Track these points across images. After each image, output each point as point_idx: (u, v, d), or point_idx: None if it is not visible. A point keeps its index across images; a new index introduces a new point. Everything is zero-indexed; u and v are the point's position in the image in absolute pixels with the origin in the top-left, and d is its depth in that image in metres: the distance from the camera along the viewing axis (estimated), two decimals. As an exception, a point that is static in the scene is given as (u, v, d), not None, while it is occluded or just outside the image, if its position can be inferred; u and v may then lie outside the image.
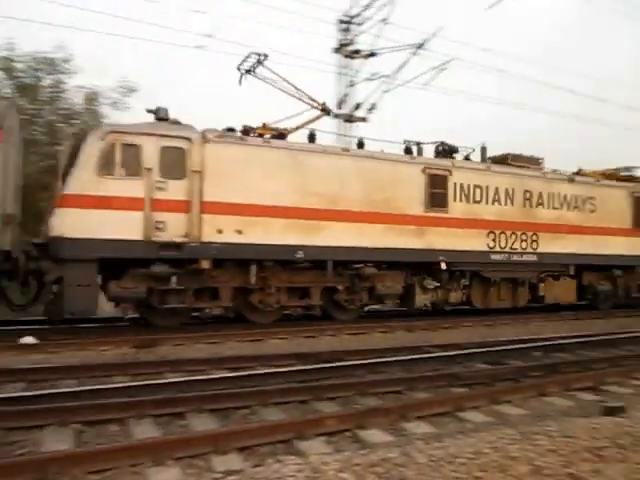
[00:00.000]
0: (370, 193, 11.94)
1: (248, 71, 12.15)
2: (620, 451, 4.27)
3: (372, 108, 17.27)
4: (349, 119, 17.26)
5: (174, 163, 10.16)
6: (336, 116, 17.22)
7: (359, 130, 17.24)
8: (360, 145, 12.59)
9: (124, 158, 9.82)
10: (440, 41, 16.38)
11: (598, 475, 3.95)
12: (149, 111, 10.86)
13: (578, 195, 15.01)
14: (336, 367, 7.31)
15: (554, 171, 15.17)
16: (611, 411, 5.27)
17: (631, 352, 9.23)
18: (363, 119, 17.37)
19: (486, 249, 13.36)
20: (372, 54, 17.16)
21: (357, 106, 17.35)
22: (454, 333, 11.27)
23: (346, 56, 17.35)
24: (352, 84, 17.46)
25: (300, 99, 12.30)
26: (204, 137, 10.47)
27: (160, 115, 10.70)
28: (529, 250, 14.03)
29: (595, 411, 5.58)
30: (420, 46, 16.28)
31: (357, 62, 17.39)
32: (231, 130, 11.08)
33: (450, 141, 13.47)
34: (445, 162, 13.13)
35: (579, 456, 4.11)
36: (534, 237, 14.12)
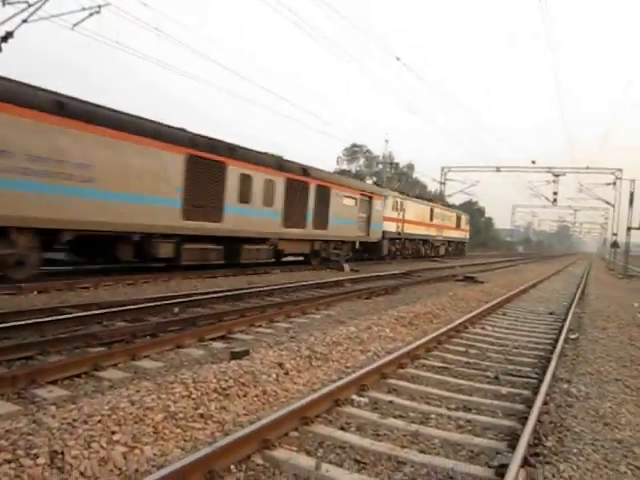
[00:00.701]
0: (422, 215, 35.38)
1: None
2: (242, 388, 4.92)
3: (7, 37, 14.79)
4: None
5: (400, 206, 30.93)
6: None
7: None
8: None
9: (394, 205, 30.05)
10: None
11: (224, 411, 4.47)
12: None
13: (446, 215, 41.17)
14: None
15: (443, 204, 42.63)
16: (237, 355, 5.99)
17: (255, 304, 10.62)
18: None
19: (435, 234, 38.26)
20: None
21: (-15, 30, 14.58)
22: (95, 293, 10.89)
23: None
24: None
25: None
26: (403, 197, 32.30)
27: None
28: (441, 235, 39.93)
29: (225, 357, 6.26)
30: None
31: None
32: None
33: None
34: (431, 204, 37.76)
35: (208, 397, 4.57)
36: (443, 231, 40.16)
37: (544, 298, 15.85)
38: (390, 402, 5.19)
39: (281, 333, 8.25)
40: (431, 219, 36.99)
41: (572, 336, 9.27)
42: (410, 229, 32.31)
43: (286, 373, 5.59)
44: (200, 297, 10.49)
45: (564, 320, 10.76)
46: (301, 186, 19.42)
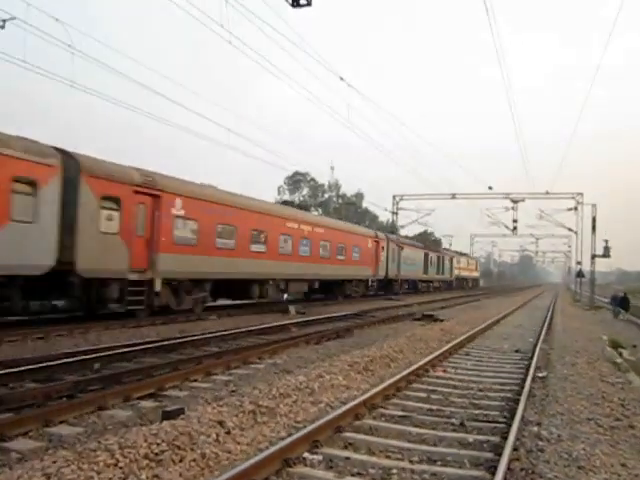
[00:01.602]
0: (465, 264, 73.89)
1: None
2: (177, 452, 4.80)
3: None
4: None
5: (459, 260, 69.56)
6: None
7: None
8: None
9: (456, 260, 67.46)
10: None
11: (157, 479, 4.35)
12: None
13: (472, 262, 79.38)
14: None
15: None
16: (170, 415, 5.85)
17: (189, 355, 10.43)
18: None
19: (468, 274, 75.67)
20: None
21: None
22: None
23: None
24: None
25: None
26: (460, 256, 72.54)
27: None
28: (470, 275, 78.49)
29: (156, 417, 6.11)
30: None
31: None
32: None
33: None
34: (467, 257, 77.46)
35: (138, 465, 4.44)
36: (471, 272, 78.84)
37: (508, 334, 16.32)
38: (347, 458, 5.19)
39: (220, 387, 8.13)
40: (467, 265, 70.14)
41: (540, 374, 9.57)
42: (462, 272, 66.74)
43: (227, 432, 5.50)
44: (125, 350, 10.22)
45: (531, 358, 11.11)
46: (439, 257, 54.23)
